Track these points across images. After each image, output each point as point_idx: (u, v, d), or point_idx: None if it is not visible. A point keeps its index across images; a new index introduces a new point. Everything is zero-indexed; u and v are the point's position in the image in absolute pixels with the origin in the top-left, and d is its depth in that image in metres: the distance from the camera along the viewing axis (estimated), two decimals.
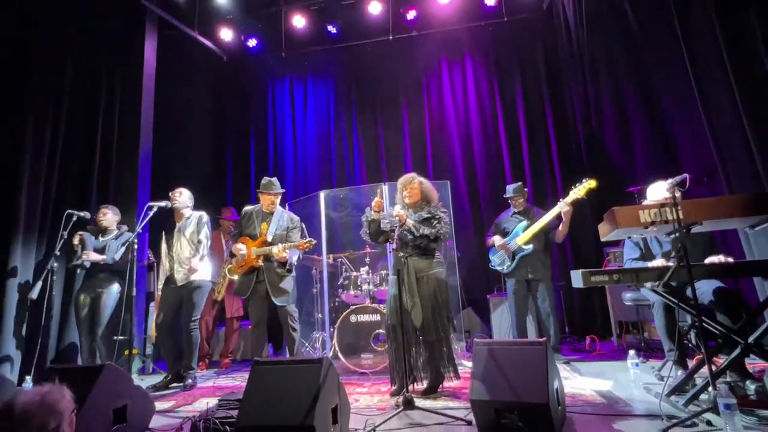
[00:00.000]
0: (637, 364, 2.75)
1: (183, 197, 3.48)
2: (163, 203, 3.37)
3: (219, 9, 5.56)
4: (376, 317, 3.49)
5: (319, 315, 4.31)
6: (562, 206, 3.45)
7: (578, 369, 3.21)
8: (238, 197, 5.88)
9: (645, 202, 2.67)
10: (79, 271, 3.71)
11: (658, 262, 2.44)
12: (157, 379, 3.40)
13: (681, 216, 1.98)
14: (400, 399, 2.32)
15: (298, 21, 5.65)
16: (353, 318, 3.55)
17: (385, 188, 4.07)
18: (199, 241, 3.40)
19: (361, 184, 5.51)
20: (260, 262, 3.23)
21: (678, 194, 2.04)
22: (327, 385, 1.84)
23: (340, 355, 3.47)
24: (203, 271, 3.41)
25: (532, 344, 2.02)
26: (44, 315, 3.41)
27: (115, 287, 3.58)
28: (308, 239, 3.15)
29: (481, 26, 5.65)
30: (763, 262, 2.23)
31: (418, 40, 5.81)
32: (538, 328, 3.94)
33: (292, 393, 1.79)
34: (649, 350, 3.52)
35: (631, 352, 2.83)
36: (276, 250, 3.10)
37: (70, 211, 3.56)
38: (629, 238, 2.73)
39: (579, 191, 3.42)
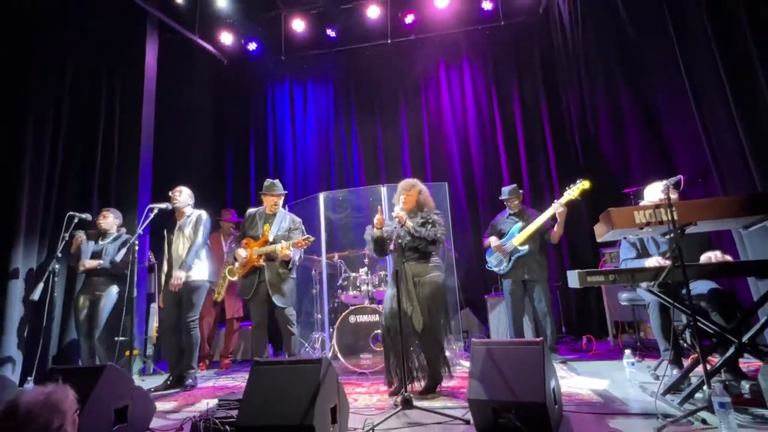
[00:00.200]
0: (633, 364, 2.78)
1: (183, 196, 3.50)
2: (163, 205, 3.39)
3: (219, 13, 5.60)
4: (375, 318, 3.51)
5: (319, 315, 4.33)
6: (557, 207, 3.49)
7: (575, 368, 3.23)
8: (238, 199, 5.91)
9: (642, 203, 2.70)
10: (80, 272, 3.73)
11: (653, 261, 2.46)
12: (158, 379, 3.41)
13: (676, 217, 2.01)
14: (399, 399, 2.34)
15: (298, 25, 5.70)
16: (352, 318, 3.57)
17: (383, 190, 4.10)
18: (196, 240, 3.41)
19: (360, 185, 5.54)
20: (262, 262, 3.26)
21: (675, 195, 2.07)
22: (326, 385, 1.85)
23: (339, 355, 3.49)
24: (201, 270, 3.42)
25: (529, 344, 2.04)
26: (45, 316, 3.42)
27: (114, 289, 3.60)
28: (306, 236, 3.20)
29: (479, 30, 5.70)
30: (756, 262, 2.25)
31: (417, 44, 5.87)
32: (535, 328, 3.96)
33: (291, 393, 1.81)
34: (645, 350, 3.54)
35: (627, 351, 2.85)
36: (279, 247, 3.14)
37: (71, 212, 3.58)
38: (625, 238, 2.75)
39: (573, 192, 3.46)
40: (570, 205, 3.52)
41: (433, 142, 5.70)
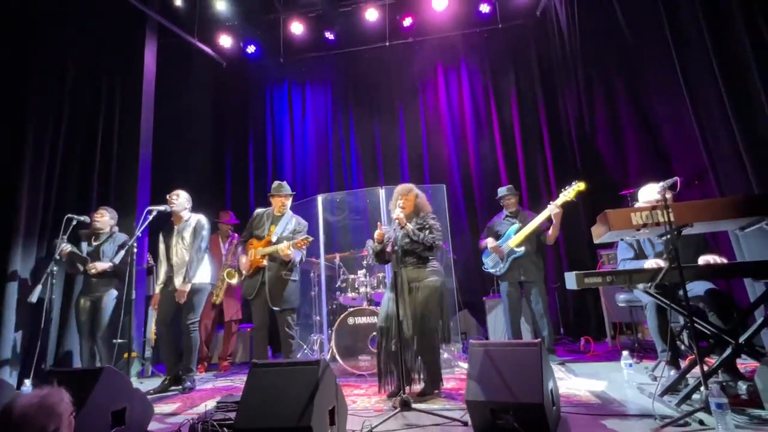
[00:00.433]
0: (630, 365, 2.78)
1: (180, 199, 3.50)
2: (162, 207, 3.39)
3: (218, 16, 5.62)
4: (374, 320, 3.51)
5: (317, 317, 4.33)
6: (552, 209, 3.51)
7: (573, 370, 3.24)
8: (236, 201, 5.92)
9: (637, 205, 2.72)
10: (91, 273, 3.70)
11: (652, 262, 2.47)
12: (157, 382, 3.40)
13: (672, 218, 2.02)
14: (397, 400, 2.34)
15: (296, 28, 5.72)
16: (351, 320, 3.57)
17: (381, 192, 4.11)
18: (199, 248, 3.42)
19: (358, 188, 5.54)
20: (265, 262, 3.27)
21: (669, 195, 2.08)
22: (324, 386, 1.85)
23: (337, 357, 3.49)
24: (202, 273, 3.43)
25: (527, 345, 2.04)
26: (44, 318, 3.42)
27: (114, 290, 3.59)
28: (305, 236, 3.23)
29: (476, 33, 5.73)
30: (753, 263, 2.26)
31: (415, 47, 5.90)
32: (533, 329, 3.97)
33: (289, 394, 1.81)
34: (643, 351, 3.55)
35: (625, 352, 2.85)
36: (281, 247, 3.16)
37: (69, 215, 3.57)
38: (622, 239, 2.77)
39: (568, 194, 3.47)
40: (566, 206, 3.54)
41: (431, 144, 5.72)
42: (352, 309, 3.62)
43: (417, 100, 5.87)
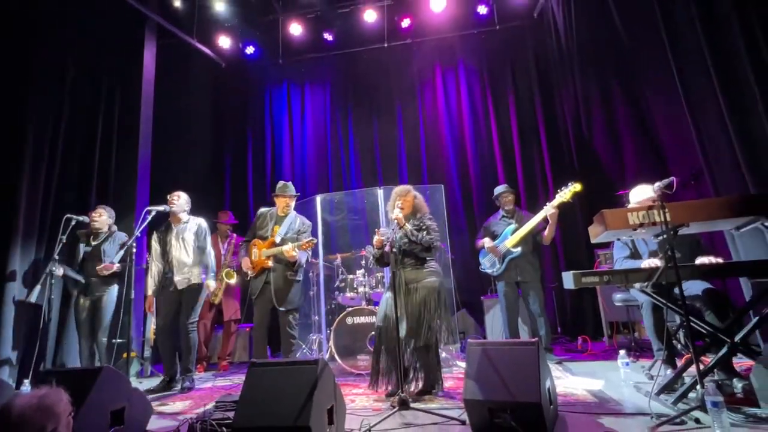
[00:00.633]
0: (627, 364, 2.80)
1: (180, 201, 3.50)
2: (161, 207, 3.39)
3: (217, 17, 5.63)
4: (372, 319, 3.52)
5: (316, 317, 4.34)
6: (548, 209, 3.53)
7: (570, 369, 3.25)
8: (236, 201, 5.93)
9: (629, 206, 2.74)
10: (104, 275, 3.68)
11: (649, 262, 2.49)
12: (156, 381, 3.40)
13: (668, 218, 2.04)
14: (396, 400, 2.35)
15: (295, 29, 5.73)
16: (349, 320, 3.58)
17: (380, 192, 4.12)
18: (203, 251, 3.43)
19: (356, 188, 5.55)
20: (270, 263, 3.27)
21: (658, 193, 2.10)
22: (323, 385, 1.86)
23: (336, 356, 3.50)
24: (201, 274, 3.43)
25: (524, 344, 2.05)
26: (42, 318, 3.42)
27: (115, 290, 3.59)
28: (310, 238, 3.23)
29: (474, 34, 5.75)
30: (748, 262, 2.29)
31: (413, 48, 5.92)
32: (531, 329, 3.98)
33: (288, 394, 1.81)
34: (639, 350, 3.57)
35: (622, 352, 2.87)
36: (286, 249, 3.16)
37: (68, 215, 3.57)
38: (619, 239, 2.79)
39: (565, 195, 3.49)
40: (562, 207, 3.56)
41: (429, 144, 5.73)
42: (350, 309, 3.63)
43: (415, 101, 5.88)
